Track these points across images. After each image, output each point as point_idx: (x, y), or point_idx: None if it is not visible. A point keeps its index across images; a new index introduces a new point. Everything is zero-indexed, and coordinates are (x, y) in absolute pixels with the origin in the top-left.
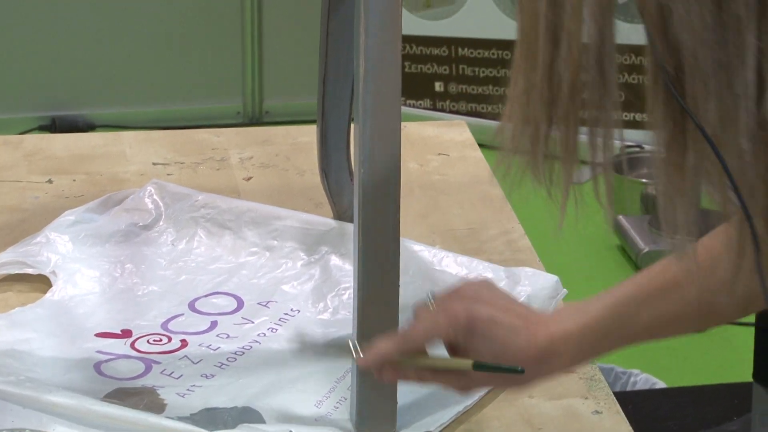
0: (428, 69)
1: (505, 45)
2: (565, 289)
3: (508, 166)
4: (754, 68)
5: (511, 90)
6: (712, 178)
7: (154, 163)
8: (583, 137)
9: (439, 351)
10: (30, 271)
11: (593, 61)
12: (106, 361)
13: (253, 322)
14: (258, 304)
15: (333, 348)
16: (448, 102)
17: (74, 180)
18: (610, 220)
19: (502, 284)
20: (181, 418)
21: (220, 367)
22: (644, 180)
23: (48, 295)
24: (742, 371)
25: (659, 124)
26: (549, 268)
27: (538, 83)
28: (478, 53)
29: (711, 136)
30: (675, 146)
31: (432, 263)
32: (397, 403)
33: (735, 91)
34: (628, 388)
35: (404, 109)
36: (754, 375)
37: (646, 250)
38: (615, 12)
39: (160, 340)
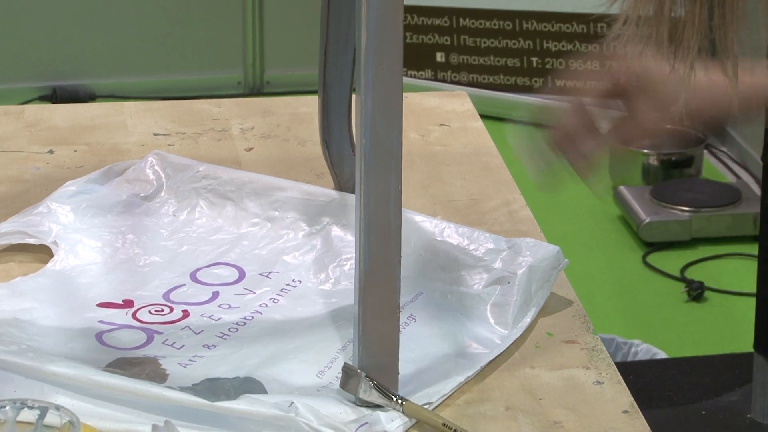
0: (429, 39)
1: (507, 15)
2: (566, 260)
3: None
4: None
5: None
6: None
7: (155, 134)
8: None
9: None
10: (31, 241)
11: None
12: (108, 331)
13: (254, 293)
14: (259, 274)
15: None
16: (449, 72)
17: (75, 150)
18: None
19: (504, 255)
20: (182, 389)
21: (221, 337)
22: (646, 151)
23: (50, 265)
24: (743, 342)
25: None
26: (550, 239)
27: None
28: (480, 23)
29: None
30: None
31: (433, 234)
32: (398, 374)
33: None
34: (630, 359)
35: (405, 79)
36: (755, 345)
37: (647, 220)
38: None
39: (162, 310)
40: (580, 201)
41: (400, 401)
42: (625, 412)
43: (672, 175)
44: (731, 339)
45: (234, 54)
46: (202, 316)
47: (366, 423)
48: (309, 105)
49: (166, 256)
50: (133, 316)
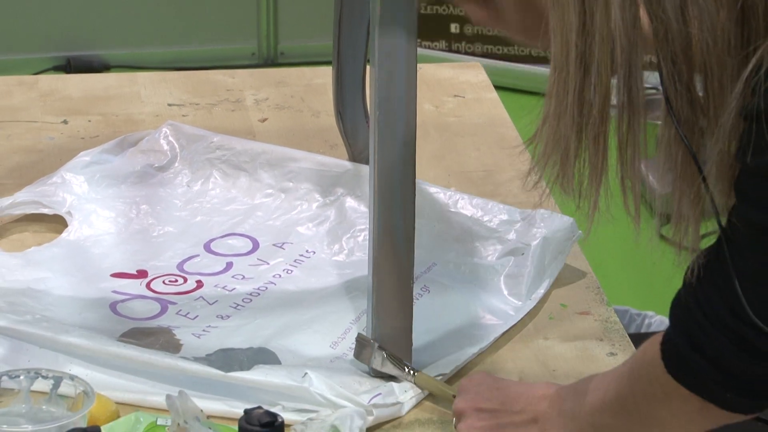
0: (444, 10)
1: None
2: (580, 231)
3: (539, 177)
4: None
5: (545, 110)
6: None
7: (169, 104)
8: None
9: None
10: (46, 211)
11: (623, 88)
12: (122, 301)
13: (268, 264)
14: (273, 245)
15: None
16: (463, 43)
17: (89, 121)
18: (638, 224)
19: (518, 226)
20: (196, 359)
21: (235, 308)
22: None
23: (64, 235)
24: None
25: (666, 159)
26: (564, 211)
27: (569, 107)
28: None
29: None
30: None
31: (447, 205)
32: (412, 345)
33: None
34: (643, 330)
35: (420, 50)
36: None
37: (662, 192)
38: (643, 42)
39: (176, 280)
40: None
41: (412, 372)
42: None
43: None
44: None
45: (248, 25)
46: (215, 286)
47: (379, 394)
48: (323, 76)
49: (179, 227)
50: (147, 286)
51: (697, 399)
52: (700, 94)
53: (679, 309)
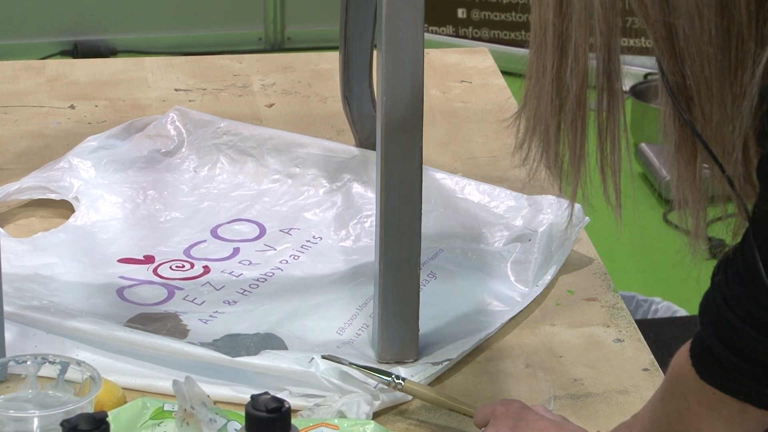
0: None
1: None
2: (587, 218)
3: (525, 156)
4: (752, 71)
5: (525, 90)
6: (715, 172)
7: (176, 89)
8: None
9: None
10: (53, 196)
11: (601, 71)
12: (129, 286)
13: (275, 249)
14: (280, 231)
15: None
16: (470, 29)
17: (96, 106)
18: (619, 215)
19: (525, 212)
20: (203, 344)
21: (242, 293)
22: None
23: (71, 220)
24: None
25: (669, 130)
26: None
27: (547, 88)
28: None
29: (714, 136)
30: (684, 148)
31: (454, 191)
32: (419, 330)
33: (735, 92)
34: (650, 316)
35: (427, 35)
36: None
37: (669, 178)
38: (622, 25)
39: (183, 266)
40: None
41: (400, 380)
42: (645, 369)
43: None
44: None
45: (255, 9)
46: (222, 272)
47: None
48: (330, 61)
49: (186, 212)
50: (154, 271)
51: (735, 401)
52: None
53: (707, 308)
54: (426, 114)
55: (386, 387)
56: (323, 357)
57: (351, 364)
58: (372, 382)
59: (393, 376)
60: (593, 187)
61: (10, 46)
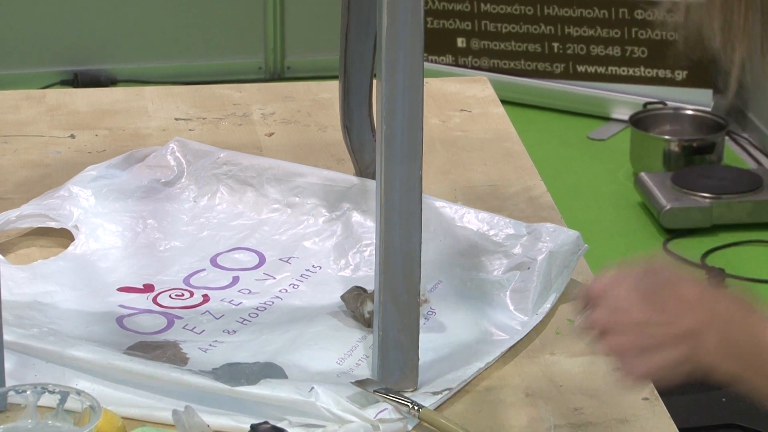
0: (450, 24)
1: (528, 0)
2: (586, 245)
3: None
4: None
5: None
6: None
7: (176, 119)
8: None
9: None
10: (53, 224)
11: None
12: (129, 315)
13: (274, 278)
14: (280, 260)
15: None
16: (470, 58)
17: (96, 135)
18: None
19: (524, 240)
20: (203, 373)
21: (242, 322)
22: (667, 137)
23: (70, 248)
24: None
25: None
26: (571, 225)
27: None
28: (501, 8)
29: None
30: None
31: (453, 219)
32: (418, 360)
33: None
34: None
35: (426, 65)
36: None
37: (668, 207)
38: None
39: (182, 295)
40: (600, 187)
41: (416, 408)
42: (645, 399)
43: (693, 161)
44: None
45: (255, 39)
46: (222, 301)
47: (385, 409)
48: (330, 90)
49: (186, 241)
50: (154, 300)
51: None
52: None
53: None
54: (425, 143)
55: (408, 415)
56: (352, 383)
57: (375, 391)
58: (372, 412)
59: (411, 403)
60: (591, 219)
61: (10, 75)
